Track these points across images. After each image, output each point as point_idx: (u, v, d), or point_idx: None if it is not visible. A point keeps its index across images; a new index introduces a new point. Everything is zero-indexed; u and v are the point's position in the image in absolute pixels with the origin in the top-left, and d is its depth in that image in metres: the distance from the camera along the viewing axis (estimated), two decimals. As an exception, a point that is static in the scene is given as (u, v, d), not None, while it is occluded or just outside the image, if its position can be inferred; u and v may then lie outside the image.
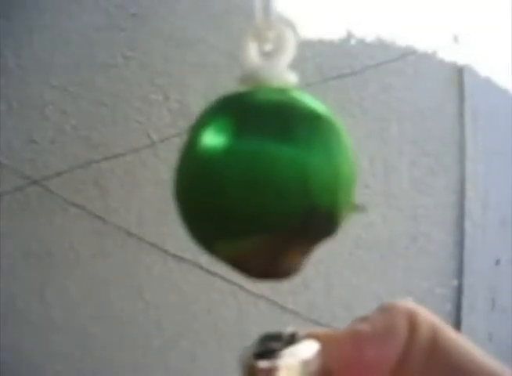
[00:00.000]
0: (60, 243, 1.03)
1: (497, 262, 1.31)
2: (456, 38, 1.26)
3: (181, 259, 1.05)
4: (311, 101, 0.35)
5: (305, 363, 0.32)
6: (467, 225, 1.26)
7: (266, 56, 0.38)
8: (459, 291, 1.25)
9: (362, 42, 1.18)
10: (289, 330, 0.33)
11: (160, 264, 1.06)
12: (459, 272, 1.25)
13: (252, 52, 0.38)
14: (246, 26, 0.39)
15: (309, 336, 0.34)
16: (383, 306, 0.35)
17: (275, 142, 0.32)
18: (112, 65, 1.04)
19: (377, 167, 1.19)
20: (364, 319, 0.35)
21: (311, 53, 1.14)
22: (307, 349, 0.32)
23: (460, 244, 1.26)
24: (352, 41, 1.18)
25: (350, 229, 1.17)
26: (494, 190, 1.30)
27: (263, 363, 0.31)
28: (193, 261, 1.04)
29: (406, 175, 1.21)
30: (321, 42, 1.15)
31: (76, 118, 1.02)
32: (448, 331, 0.33)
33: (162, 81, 1.05)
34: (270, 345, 0.33)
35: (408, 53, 1.21)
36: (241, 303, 1.09)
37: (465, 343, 0.33)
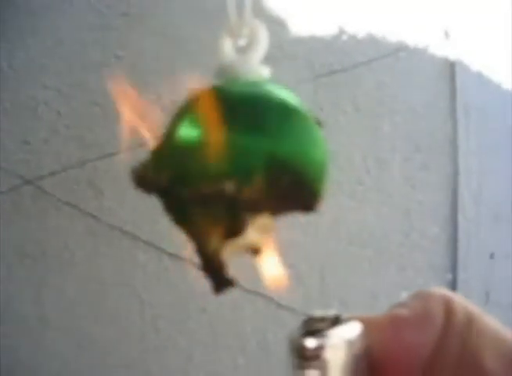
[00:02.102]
0: (55, 243, 1.03)
1: (491, 257, 1.32)
2: (447, 34, 1.26)
3: (176, 258, 1.05)
4: (282, 93, 0.37)
5: (350, 343, 0.33)
6: (461, 220, 1.27)
7: (240, 51, 0.40)
8: (453, 286, 1.25)
9: (353, 39, 1.19)
10: (332, 312, 0.34)
11: (156, 263, 1.06)
12: (453, 267, 1.26)
13: (227, 48, 0.40)
14: (221, 22, 0.41)
15: (352, 318, 0.34)
16: (419, 293, 0.36)
17: (245, 132, 0.35)
18: (104, 64, 1.04)
19: (370, 163, 1.19)
20: (402, 305, 0.36)
21: (303, 50, 1.15)
22: (351, 330, 0.33)
23: (454, 239, 1.26)
24: (344, 38, 1.18)
25: (343, 224, 1.17)
26: (487, 185, 1.30)
27: (311, 342, 0.32)
28: (189, 259, 1.04)
29: (399, 171, 1.21)
30: (313, 39, 1.16)
31: (69, 118, 1.02)
32: (484, 317, 0.34)
33: (154, 81, 1.05)
34: (316, 326, 0.33)
35: (399, 49, 1.22)
36: (236, 301, 1.09)
37: (501, 328, 0.34)
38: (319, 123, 0.38)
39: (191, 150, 0.36)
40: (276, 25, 1.12)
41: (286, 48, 1.13)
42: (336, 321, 0.34)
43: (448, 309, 0.34)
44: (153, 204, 1.09)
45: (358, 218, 1.18)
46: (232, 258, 0.39)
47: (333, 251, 1.17)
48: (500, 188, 1.33)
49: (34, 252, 1.02)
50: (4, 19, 0.99)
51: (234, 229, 0.36)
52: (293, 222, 1.13)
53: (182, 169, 0.36)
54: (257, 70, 0.39)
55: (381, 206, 1.20)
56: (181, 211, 0.38)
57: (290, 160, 0.35)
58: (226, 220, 0.36)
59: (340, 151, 1.17)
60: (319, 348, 0.32)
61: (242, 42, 0.40)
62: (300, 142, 0.36)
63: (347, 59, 1.18)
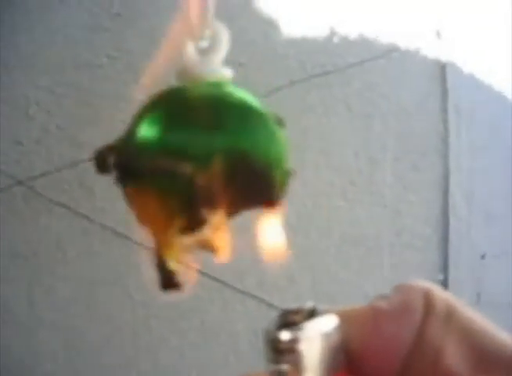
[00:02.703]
0: (47, 243, 1.03)
1: (482, 257, 1.32)
2: (438, 35, 1.26)
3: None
4: (242, 94, 0.38)
5: (326, 336, 0.33)
6: (452, 220, 1.27)
7: (202, 52, 0.41)
8: (444, 286, 1.26)
9: (345, 40, 1.19)
10: (308, 305, 0.34)
11: (147, 263, 1.06)
12: (445, 267, 1.26)
13: (189, 49, 0.40)
14: (182, 24, 0.42)
15: (328, 311, 0.35)
16: (400, 286, 0.36)
17: (205, 129, 0.36)
18: (97, 65, 1.04)
19: (362, 163, 1.20)
20: (382, 297, 0.36)
21: (295, 51, 1.15)
22: (327, 323, 0.33)
23: (445, 239, 1.27)
24: (336, 39, 1.19)
25: (335, 224, 1.18)
26: (478, 185, 1.31)
27: (285, 335, 0.32)
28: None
29: (390, 171, 1.22)
30: (304, 40, 1.16)
31: (61, 118, 1.02)
32: (463, 308, 0.34)
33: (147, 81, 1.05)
34: (291, 319, 0.34)
35: (391, 50, 1.22)
36: (227, 300, 1.10)
37: (480, 319, 0.34)
38: (279, 122, 0.39)
39: (152, 145, 0.37)
40: (268, 26, 1.12)
41: (278, 49, 1.13)
42: (312, 314, 0.34)
43: (428, 300, 0.34)
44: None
45: (349, 217, 1.19)
46: (185, 255, 0.39)
47: (325, 251, 1.17)
48: (491, 188, 1.33)
49: (26, 252, 1.02)
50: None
51: (191, 222, 0.37)
52: (285, 221, 1.13)
53: (143, 149, 0.37)
54: (220, 72, 0.40)
55: (373, 206, 1.21)
56: (139, 200, 0.38)
57: (248, 153, 0.36)
58: (184, 212, 0.36)
59: (331, 151, 1.17)
60: (294, 341, 0.32)
61: (204, 44, 0.41)
62: (258, 138, 0.37)
63: (339, 60, 1.18)
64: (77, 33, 1.04)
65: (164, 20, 1.06)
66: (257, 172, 0.37)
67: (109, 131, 1.09)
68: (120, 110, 1.04)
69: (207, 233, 0.38)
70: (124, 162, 0.38)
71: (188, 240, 0.38)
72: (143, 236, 0.98)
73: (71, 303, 1.05)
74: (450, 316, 0.34)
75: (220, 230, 0.39)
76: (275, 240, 0.40)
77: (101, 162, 0.39)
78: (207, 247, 0.39)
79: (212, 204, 0.36)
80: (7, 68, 1.01)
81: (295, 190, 1.15)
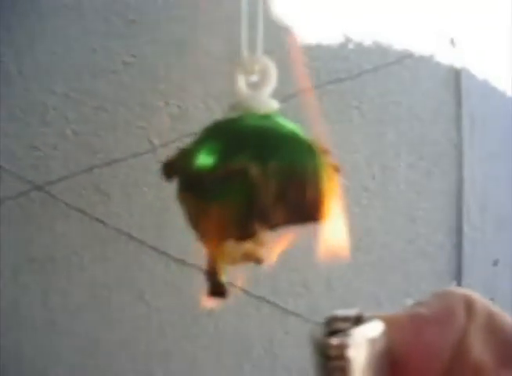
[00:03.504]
0: (62, 248, 1.03)
1: (495, 264, 1.32)
2: (452, 42, 1.26)
3: (182, 263, 1.05)
4: (290, 125, 0.42)
5: (373, 342, 0.34)
6: (465, 227, 1.27)
7: (252, 86, 0.44)
8: (457, 293, 1.25)
9: (359, 46, 1.19)
10: (354, 311, 0.35)
11: (162, 268, 1.06)
12: (458, 274, 1.26)
13: (240, 83, 0.44)
14: (235, 61, 0.45)
15: (374, 317, 0.35)
16: (439, 292, 0.37)
17: (256, 158, 0.39)
18: (112, 71, 1.04)
19: (375, 170, 1.20)
20: (422, 304, 0.36)
21: (309, 58, 1.15)
22: (374, 329, 0.34)
23: (458, 246, 1.26)
24: (350, 46, 1.19)
25: (349, 232, 1.18)
26: (492, 193, 1.31)
27: (334, 340, 0.33)
28: (195, 264, 1.04)
29: (404, 178, 1.22)
30: (318, 47, 1.16)
31: (77, 124, 1.03)
32: (504, 316, 0.35)
33: (162, 87, 1.06)
34: (339, 325, 0.34)
35: (405, 57, 1.22)
36: (242, 306, 1.10)
37: None
38: (324, 151, 0.42)
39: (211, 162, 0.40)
40: (283, 33, 1.13)
41: (292, 56, 1.14)
42: (358, 320, 0.35)
43: (469, 308, 0.35)
44: (160, 210, 1.09)
45: (363, 224, 1.19)
46: (232, 267, 0.41)
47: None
48: (505, 195, 1.33)
49: (41, 257, 1.03)
50: (13, 25, 1.00)
51: (244, 233, 0.38)
52: (300, 227, 1.13)
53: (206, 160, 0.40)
54: (268, 105, 0.43)
55: (386, 213, 1.21)
56: (198, 212, 0.41)
57: (298, 175, 0.40)
58: (238, 222, 0.38)
59: (345, 158, 1.17)
60: (343, 347, 0.33)
61: (254, 78, 0.44)
62: (307, 162, 0.41)
63: (353, 67, 1.18)
64: (93, 40, 1.04)
65: (179, 27, 1.06)
66: (305, 193, 0.39)
67: (125, 137, 1.09)
68: (135, 116, 1.05)
69: (252, 245, 0.40)
70: (189, 174, 0.41)
71: (235, 251, 0.40)
72: (158, 241, 0.98)
73: (86, 308, 1.05)
74: (491, 323, 0.34)
75: (265, 243, 0.41)
76: (338, 240, 0.42)
77: (167, 174, 0.42)
78: (252, 258, 0.41)
79: (264, 217, 0.38)
80: (24, 75, 1.01)
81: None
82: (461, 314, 0.34)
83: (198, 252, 0.43)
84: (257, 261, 0.41)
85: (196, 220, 0.41)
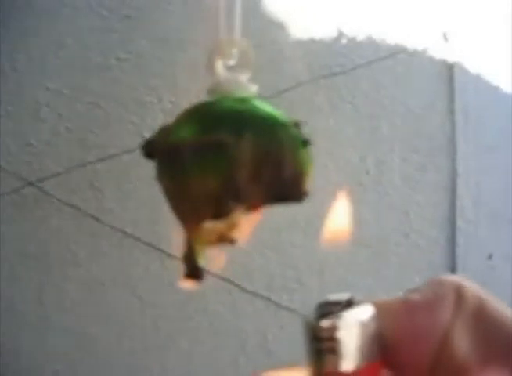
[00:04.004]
0: (57, 244, 1.03)
1: (489, 258, 1.32)
2: (445, 36, 1.26)
3: (177, 258, 1.05)
4: (267, 108, 0.42)
5: (363, 324, 0.34)
6: (459, 221, 1.27)
7: (230, 69, 0.44)
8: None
9: (352, 41, 1.19)
10: (346, 295, 0.36)
11: (156, 263, 1.06)
12: (452, 268, 1.26)
13: (218, 67, 0.43)
14: (211, 43, 0.44)
15: (364, 301, 0.36)
16: (432, 280, 0.38)
17: (230, 133, 0.40)
18: (106, 67, 1.04)
19: (369, 164, 1.20)
20: (414, 291, 0.37)
21: (302, 52, 1.15)
22: (364, 312, 0.35)
23: (452, 240, 1.27)
24: (343, 40, 1.19)
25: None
26: (485, 186, 1.31)
27: (325, 322, 0.33)
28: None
29: (398, 173, 1.22)
30: (312, 41, 1.16)
31: (71, 120, 1.03)
32: (494, 301, 0.35)
33: (155, 83, 1.06)
34: (330, 309, 0.35)
35: (398, 51, 1.22)
36: (236, 301, 1.10)
37: (510, 311, 0.35)
38: (297, 126, 0.42)
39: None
40: (276, 28, 1.13)
41: (285, 51, 1.14)
42: (349, 304, 0.35)
43: (459, 294, 0.35)
44: (154, 205, 1.09)
45: (356, 218, 1.19)
46: (206, 249, 0.41)
47: (332, 252, 1.17)
48: (499, 189, 1.33)
49: (35, 253, 1.03)
50: (6, 21, 1.00)
51: (219, 210, 0.39)
52: (293, 222, 1.13)
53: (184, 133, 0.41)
54: (247, 88, 0.43)
55: (380, 207, 1.21)
56: (177, 188, 0.41)
57: (271, 152, 0.40)
58: (215, 199, 0.38)
59: (338, 152, 1.18)
60: (333, 329, 0.33)
61: (232, 62, 0.44)
62: (281, 143, 0.41)
63: (346, 62, 1.18)
64: (87, 35, 1.04)
65: (173, 22, 1.06)
66: (283, 171, 0.39)
67: (119, 133, 1.09)
68: (129, 112, 1.05)
69: (225, 226, 0.40)
70: (167, 148, 0.41)
71: (211, 232, 0.40)
72: (152, 236, 0.98)
73: (80, 304, 1.05)
74: (480, 308, 0.35)
75: (237, 224, 0.41)
76: (340, 224, 0.42)
77: (147, 152, 0.42)
78: (226, 240, 0.41)
79: (240, 193, 0.38)
80: (17, 71, 1.01)
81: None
82: (450, 300, 0.35)
83: (175, 238, 0.43)
84: (231, 242, 0.41)
85: (174, 199, 0.41)
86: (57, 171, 1.02)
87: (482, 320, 0.34)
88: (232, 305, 1.10)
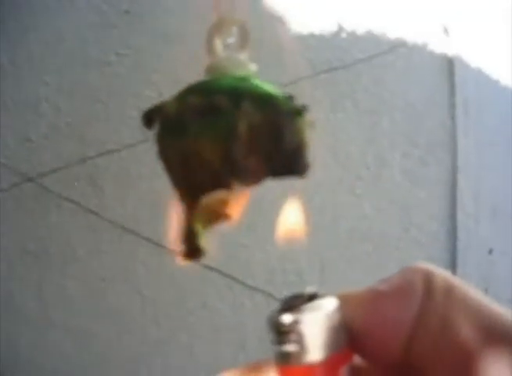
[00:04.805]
0: (56, 240, 1.03)
1: (490, 252, 1.32)
2: (446, 30, 1.26)
3: (173, 249, 1.05)
4: (267, 86, 0.41)
5: (326, 316, 0.34)
6: (460, 215, 1.27)
7: (229, 48, 0.43)
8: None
9: (352, 35, 1.19)
10: (310, 289, 0.36)
11: (156, 259, 1.06)
12: (452, 263, 1.26)
13: (217, 45, 0.43)
14: (211, 20, 0.44)
15: (328, 294, 0.36)
16: (401, 269, 0.37)
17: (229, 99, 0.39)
18: (105, 62, 1.04)
19: (369, 159, 1.20)
20: (382, 280, 0.37)
21: (302, 47, 1.15)
22: (327, 305, 0.35)
23: (453, 235, 1.27)
24: (343, 35, 1.18)
25: (343, 220, 1.18)
26: (486, 181, 1.31)
27: (286, 317, 0.34)
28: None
29: (398, 167, 1.22)
30: (312, 36, 1.16)
31: (70, 115, 1.03)
32: (463, 285, 0.35)
33: (155, 78, 1.06)
34: (293, 303, 0.35)
35: (398, 46, 1.22)
36: (236, 296, 1.10)
37: (480, 294, 0.35)
38: (301, 111, 0.42)
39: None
40: (276, 22, 1.12)
41: (285, 46, 1.13)
42: (312, 298, 0.35)
43: (428, 281, 0.35)
44: (154, 201, 1.08)
45: (357, 213, 1.19)
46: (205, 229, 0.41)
47: (333, 247, 1.17)
48: (499, 184, 1.33)
49: (35, 249, 1.02)
50: (5, 17, 1.00)
51: (217, 183, 0.39)
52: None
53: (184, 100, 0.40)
54: (246, 67, 0.42)
55: (380, 201, 1.21)
56: (176, 159, 0.41)
57: (270, 123, 0.39)
58: (216, 165, 0.38)
59: (339, 147, 1.17)
60: (295, 323, 0.33)
61: (231, 40, 0.43)
62: (281, 116, 0.40)
63: (346, 56, 1.18)
64: (86, 30, 1.04)
65: (172, 17, 1.05)
66: (284, 139, 0.39)
67: (118, 128, 1.09)
68: (128, 107, 1.04)
69: (219, 202, 0.40)
70: (165, 113, 0.40)
71: (209, 209, 0.40)
72: (152, 232, 0.98)
73: (80, 300, 1.05)
74: (450, 291, 0.34)
75: (230, 200, 0.41)
76: (295, 220, 0.42)
77: (147, 119, 0.42)
78: (221, 216, 0.41)
79: (239, 164, 0.38)
80: (17, 66, 1.01)
81: (303, 187, 1.15)
82: (419, 288, 0.35)
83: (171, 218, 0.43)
84: (225, 218, 0.41)
85: (174, 170, 0.41)
86: (56, 167, 1.02)
87: (454, 301, 0.34)
88: (233, 300, 1.10)
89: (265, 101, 0.39)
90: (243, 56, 0.42)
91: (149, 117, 0.42)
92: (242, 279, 1.09)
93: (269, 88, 0.40)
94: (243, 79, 0.41)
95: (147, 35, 1.06)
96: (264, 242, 1.09)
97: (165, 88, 1.06)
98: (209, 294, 1.09)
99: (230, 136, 0.38)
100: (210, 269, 1.07)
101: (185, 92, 0.41)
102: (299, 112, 0.40)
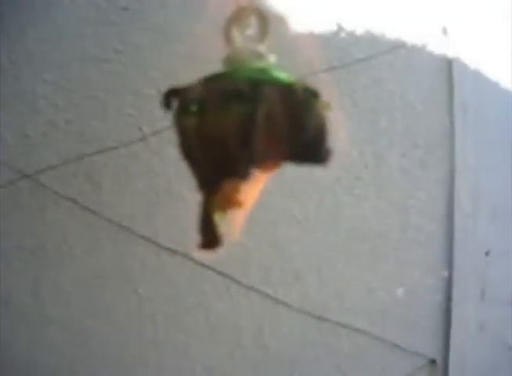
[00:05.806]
0: (53, 237, 1.03)
1: (487, 253, 1.32)
2: (445, 31, 1.26)
3: (173, 252, 1.05)
4: (285, 77, 0.42)
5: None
6: (457, 216, 1.27)
7: (248, 39, 0.42)
8: (449, 282, 1.26)
9: (351, 36, 1.19)
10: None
11: (153, 257, 1.06)
12: (450, 263, 1.26)
13: (235, 36, 0.42)
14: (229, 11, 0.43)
15: None
16: None
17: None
18: (104, 59, 1.04)
19: (368, 159, 1.20)
20: None
21: (302, 46, 1.15)
22: None
23: (451, 236, 1.27)
24: (342, 35, 1.18)
25: (342, 220, 1.18)
26: (484, 182, 1.31)
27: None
28: (186, 254, 1.04)
29: (397, 167, 1.22)
30: (312, 36, 1.16)
31: (68, 112, 1.02)
32: None
33: (153, 75, 1.05)
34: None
35: (397, 46, 1.22)
36: (233, 295, 1.10)
37: None
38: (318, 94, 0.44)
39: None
40: (275, 22, 1.12)
41: (285, 45, 1.13)
42: None
43: None
44: (151, 199, 1.08)
45: (355, 213, 1.19)
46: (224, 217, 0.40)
47: (331, 246, 1.17)
48: (497, 185, 1.33)
49: (32, 246, 1.02)
50: (3, 14, 0.99)
51: (238, 171, 0.39)
52: (292, 217, 1.13)
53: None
54: (265, 58, 0.42)
55: (379, 201, 1.21)
56: (196, 142, 0.41)
57: (292, 108, 0.40)
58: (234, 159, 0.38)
59: (338, 147, 1.17)
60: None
61: (250, 31, 0.43)
62: (302, 102, 0.42)
63: (345, 56, 1.18)
64: (84, 27, 1.03)
65: (170, 14, 1.05)
66: (306, 126, 0.39)
67: (116, 126, 1.08)
68: (126, 104, 1.04)
69: (232, 188, 0.40)
70: (189, 99, 0.41)
71: (226, 196, 0.40)
72: (149, 230, 0.97)
73: (76, 297, 1.05)
74: None
75: (242, 188, 0.40)
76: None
77: (167, 100, 0.43)
78: (233, 203, 0.41)
79: (257, 152, 0.38)
80: (15, 63, 1.01)
81: (301, 186, 1.15)
82: None
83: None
84: (238, 205, 0.41)
85: (193, 151, 0.41)
86: (54, 164, 1.02)
87: None
88: (229, 299, 1.10)
89: (284, 89, 0.39)
90: (261, 48, 0.42)
91: (170, 98, 0.42)
92: (238, 278, 1.09)
93: (288, 77, 0.40)
94: (263, 70, 0.41)
95: (145, 32, 1.05)
96: (261, 241, 1.09)
97: (164, 85, 1.05)
98: (205, 292, 1.09)
99: (250, 122, 0.38)
100: (207, 267, 1.07)
101: (207, 79, 0.41)
102: (316, 94, 0.41)
